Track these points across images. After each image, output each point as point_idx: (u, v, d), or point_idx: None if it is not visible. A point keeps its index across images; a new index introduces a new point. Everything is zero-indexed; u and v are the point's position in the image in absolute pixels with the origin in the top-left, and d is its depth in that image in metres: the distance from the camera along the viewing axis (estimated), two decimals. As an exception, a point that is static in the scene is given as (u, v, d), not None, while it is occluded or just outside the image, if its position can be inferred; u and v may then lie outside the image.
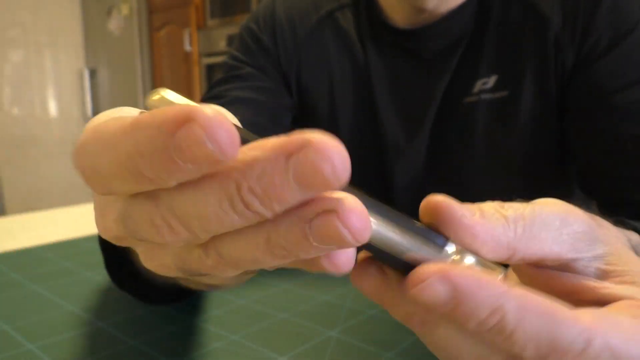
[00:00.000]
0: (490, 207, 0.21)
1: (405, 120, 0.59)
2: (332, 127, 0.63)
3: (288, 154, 0.14)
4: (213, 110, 0.14)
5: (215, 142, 0.13)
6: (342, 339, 0.37)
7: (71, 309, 0.43)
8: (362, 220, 0.15)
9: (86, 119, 3.45)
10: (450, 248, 0.19)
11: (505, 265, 0.21)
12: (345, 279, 0.49)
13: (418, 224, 0.19)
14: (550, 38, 0.52)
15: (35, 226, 0.74)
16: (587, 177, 0.54)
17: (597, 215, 0.24)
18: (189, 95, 2.88)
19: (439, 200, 0.20)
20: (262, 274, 0.51)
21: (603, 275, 0.22)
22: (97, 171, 0.16)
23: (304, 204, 0.15)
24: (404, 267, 0.19)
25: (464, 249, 0.19)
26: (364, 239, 0.15)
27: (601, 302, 0.21)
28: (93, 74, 3.41)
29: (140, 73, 3.16)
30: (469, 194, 0.60)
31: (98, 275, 0.52)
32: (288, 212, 0.15)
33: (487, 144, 0.56)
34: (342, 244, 0.15)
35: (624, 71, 0.49)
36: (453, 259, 0.19)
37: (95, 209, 0.20)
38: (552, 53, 0.52)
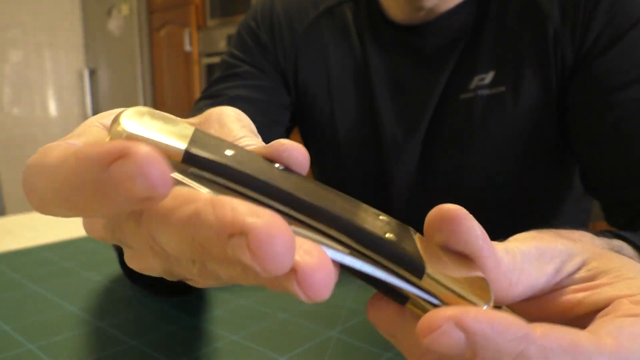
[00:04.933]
0: None
1: (404, 117, 0.59)
2: (330, 124, 0.63)
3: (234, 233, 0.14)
4: (148, 148, 0.14)
5: (147, 180, 0.14)
6: (342, 339, 0.37)
7: (71, 309, 0.43)
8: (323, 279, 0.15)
9: (86, 119, 3.44)
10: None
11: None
12: (345, 279, 0.49)
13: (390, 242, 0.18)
14: (549, 33, 0.52)
15: (35, 226, 0.74)
16: (590, 176, 0.53)
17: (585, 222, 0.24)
18: (188, 95, 2.88)
19: (454, 210, 0.19)
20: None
21: (590, 281, 0.22)
22: (36, 195, 0.16)
23: None
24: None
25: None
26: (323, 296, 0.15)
27: (598, 308, 0.21)
28: (93, 74, 3.41)
29: (140, 73, 3.16)
30: (467, 191, 0.60)
31: (98, 275, 0.52)
32: None
33: (484, 139, 0.56)
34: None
35: (625, 68, 0.49)
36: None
37: None
38: (551, 48, 0.52)
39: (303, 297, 0.15)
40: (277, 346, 0.36)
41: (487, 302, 0.18)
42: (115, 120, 0.17)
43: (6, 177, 3.04)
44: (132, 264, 0.21)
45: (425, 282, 0.18)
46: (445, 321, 0.16)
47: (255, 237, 0.14)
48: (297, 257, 0.15)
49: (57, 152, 0.16)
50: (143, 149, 0.14)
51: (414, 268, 0.18)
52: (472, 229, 0.19)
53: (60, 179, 0.15)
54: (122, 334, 0.39)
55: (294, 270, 0.15)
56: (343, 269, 0.18)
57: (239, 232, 0.14)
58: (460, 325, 0.16)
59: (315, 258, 0.15)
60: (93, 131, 0.19)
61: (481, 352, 0.16)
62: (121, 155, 0.14)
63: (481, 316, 0.16)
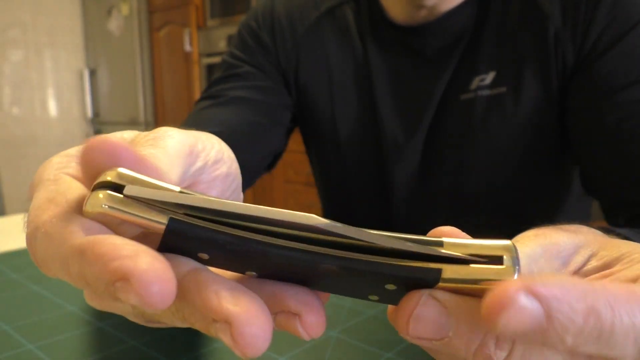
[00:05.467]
0: None
1: (405, 118, 0.59)
2: (331, 125, 0.63)
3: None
4: (148, 267, 0.15)
5: (145, 300, 0.15)
6: (342, 339, 0.37)
7: (71, 309, 0.43)
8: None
9: (86, 119, 3.45)
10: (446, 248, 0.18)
11: None
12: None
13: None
14: (550, 34, 0.52)
15: (35, 226, 0.73)
16: (589, 176, 0.53)
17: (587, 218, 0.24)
18: (188, 95, 2.88)
19: (450, 232, 0.19)
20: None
21: (605, 270, 0.21)
22: (48, 266, 0.18)
23: None
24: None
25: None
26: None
27: None
28: (93, 74, 3.41)
29: (140, 73, 3.16)
30: (467, 191, 0.60)
31: (98, 275, 0.52)
32: None
33: (484, 140, 0.56)
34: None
35: (627, 68, 0.49)
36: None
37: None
38: (552, 49, 0.52)
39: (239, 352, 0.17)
40: (277, 346, 0.36)
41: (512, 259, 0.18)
42: (96, 188, 0.17)
43: (6, 177, 3.05)
44: (94, 303, 0.21)
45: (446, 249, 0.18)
46: (518, 293, 0.15)
47: (237, 328, 0.16)
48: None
49: (61, 235, 0.17)
50: (143, 269, 0.15)
51: (431, 242, 0.18)
52: None
53: (75, 271, 0.17)
54: (122, 334, 0.39)
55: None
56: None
57: (223, 320, 0.16)
58: (533, 293, 0.15)
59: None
60: (66, 181, 0.19)
61: (557, 317, 0.15)
62: (122, 278, 0.15)
63: (546, 280, 0.15)
